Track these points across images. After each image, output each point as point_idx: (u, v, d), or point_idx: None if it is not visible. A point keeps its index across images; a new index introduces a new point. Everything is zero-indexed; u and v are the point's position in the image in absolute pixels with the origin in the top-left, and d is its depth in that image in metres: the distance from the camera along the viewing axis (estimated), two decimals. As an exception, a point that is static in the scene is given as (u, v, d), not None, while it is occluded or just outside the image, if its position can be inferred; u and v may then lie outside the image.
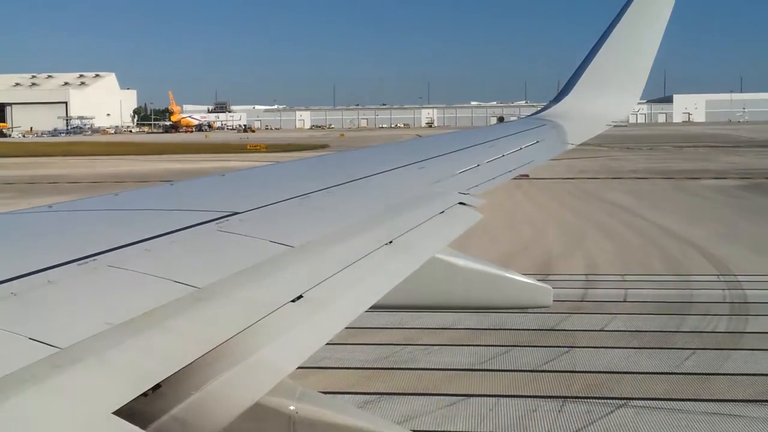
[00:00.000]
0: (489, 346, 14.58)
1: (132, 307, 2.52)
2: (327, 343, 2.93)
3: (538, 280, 5.66)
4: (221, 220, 3.83)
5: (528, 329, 15.33)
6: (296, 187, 5.15)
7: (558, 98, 12.79)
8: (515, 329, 15.33)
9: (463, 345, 14.62)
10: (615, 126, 12.24)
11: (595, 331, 15.58)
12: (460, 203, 5.54)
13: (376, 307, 3.50)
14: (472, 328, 15.28)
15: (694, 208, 33.96)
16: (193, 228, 3.64)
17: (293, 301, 3.00)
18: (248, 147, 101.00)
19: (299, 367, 2.68)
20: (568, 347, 14.40)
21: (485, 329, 15.33)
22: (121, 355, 2.26)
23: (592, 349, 14.51)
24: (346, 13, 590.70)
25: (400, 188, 5.89)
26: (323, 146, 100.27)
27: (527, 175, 40.39)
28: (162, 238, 3.39)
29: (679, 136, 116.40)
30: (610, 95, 12.08)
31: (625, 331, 15.61)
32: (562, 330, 15.40)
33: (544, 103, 13.52)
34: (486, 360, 13.88)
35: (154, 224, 3.67)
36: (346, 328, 3.06)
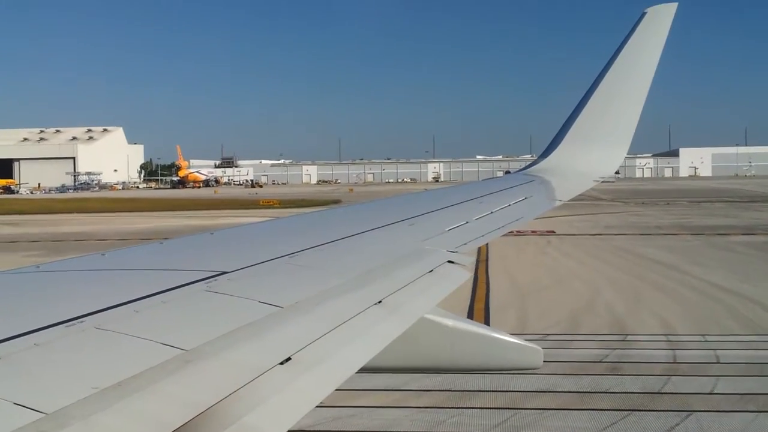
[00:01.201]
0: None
1: (119, 370, 2.53)
2: (316, 406, 2.87)
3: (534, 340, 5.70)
4: (210, 279, 3.87)
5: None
6: (285, 245, 5.24)
7: (546, 153, 12.76)
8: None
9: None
10: (603, 182, 12.09)
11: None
12: (449, 261, 5.50)
13: (365, 369, 3.45)
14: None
15: (735, 264, 33.43)
16: (181, 288, 3.66)
17: (282, 363, 2.98)
18: (262, 203, 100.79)
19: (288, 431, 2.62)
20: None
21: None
22: (108, 420, 2.23)
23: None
24: (351, 67, 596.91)
25: (389, 246, 5.91)
26: (335, 201, 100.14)
27: (553, 231, 40.42)
28: (150, 298, 3.41)
29: (691, 191, 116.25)
30: (598, 150, 12.09)
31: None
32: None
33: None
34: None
35: (142, 284, 3.73)
36: (336, 390, 3.02)
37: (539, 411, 13.54)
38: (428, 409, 13.94)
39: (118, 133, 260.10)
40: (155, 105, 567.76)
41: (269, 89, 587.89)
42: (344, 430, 13.16)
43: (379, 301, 4.14)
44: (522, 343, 5.31)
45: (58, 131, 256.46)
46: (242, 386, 2.68)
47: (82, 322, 2.94)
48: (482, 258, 36.00)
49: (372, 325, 3.82)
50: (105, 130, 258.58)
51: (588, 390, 14.95)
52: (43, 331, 2.80)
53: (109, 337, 2.85)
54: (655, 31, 11.77)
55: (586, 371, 16.25)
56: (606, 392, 14.78)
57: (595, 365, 16.73)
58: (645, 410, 13.76)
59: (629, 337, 19.36)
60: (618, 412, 13.60)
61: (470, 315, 22.45)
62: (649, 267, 32.83)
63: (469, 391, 14.83)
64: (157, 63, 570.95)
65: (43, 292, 3.85)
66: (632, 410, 13.69)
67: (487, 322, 21.18)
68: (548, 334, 19.70)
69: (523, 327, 20.73)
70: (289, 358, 3.03)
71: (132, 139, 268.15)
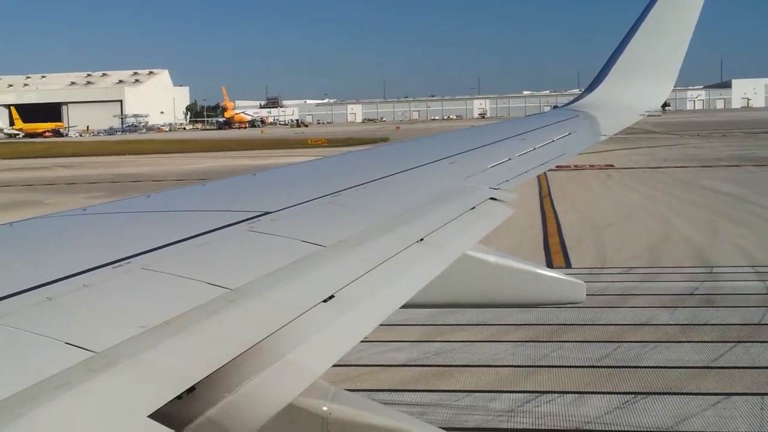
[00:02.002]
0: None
1: (165, 309, 2.57)
2: (360, 341, 2.91)
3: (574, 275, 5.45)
4: (253, 220, 3.88)
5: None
6: (327, 185, 5.21)
7: (590, 88, 12.64)
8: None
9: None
10: (649, 116, 11.94)
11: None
12: (492, 198, 5.49)
13: (407, 306, 3.49)
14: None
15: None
16: (225, 229, 3.68)
17: (325, 301, 3.01)
18: (309, 142, 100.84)
19: (333, 366, 2.68)
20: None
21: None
22: (155, 359, 2.28)
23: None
24: (394, 4, 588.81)
25: (430, 184, 5.85)
26: (383, 139, 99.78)
27: (612, 165, 39.85)
28: (194, 239, 3.44)
29: (745, 122, 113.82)
30: (644, 84, 11.90)
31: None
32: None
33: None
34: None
35: (186, 226, 3.75)
36: (380, 325, 3.06)
37: (641, 344, 13.31)
38: (527, 343, 13.83)
39: (163, 76, 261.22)
40: (200, 47, 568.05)
41: (312, 28, 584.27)
42: (449, 363, 13.12)
43: (421, 239, 4.14)
44: (565, 278, 5.38)
45: (104, 75, 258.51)
46: (286, 324, 2.72)
47: (129, 263, 3.00)
48: (545, 193, 35.70)
49: (414, 263, 3.85)
50: (151, 72, 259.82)
51: (686, 322, 14.69)
52: (91, 272, 2.85)
53: (155, 277, 2.90)
54: None
55: (679, 304, 15.95)
56: (706, 324, 14.53)
57: (688, 298, 16.42)
58: (750, 341, 13.48)
59: (715, 269, 19.02)
60: (722, 344, 13.34)
61: (546, 250, 22.29)
62: (718, 199, 32.23)
63: (565, 324, 14.69)
64: (200, 5, 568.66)
65: (90, 234, 3.92)
66: (737, 341, 13.43)
67: (565, 258, 20.99)
68: (631, 267, 19.44)
69: (603, 260, 20.47)
70: (332, 296, 3.06)
71: (177, 82, 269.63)
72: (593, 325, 14.71)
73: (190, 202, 4.94)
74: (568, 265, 20.21)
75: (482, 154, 7.76)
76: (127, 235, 3.78)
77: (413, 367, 12.97)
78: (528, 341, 13.92)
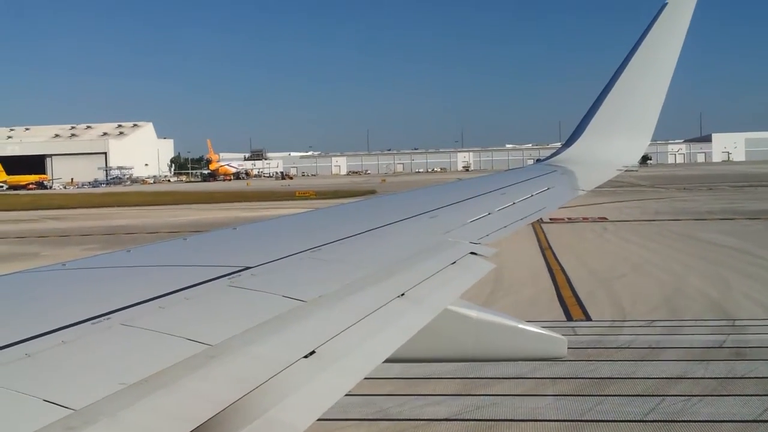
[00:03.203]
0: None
1: (145, 366, 2.57)
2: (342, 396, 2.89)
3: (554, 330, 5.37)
4: (233, 275, 3.91)
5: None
6: (307, 239, 5.27)
7: (569, 143, 12.77)
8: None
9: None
10: (626, 171, 12.08)
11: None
12: (472, 253, 5.56)
13: (390, 360, 3.48)
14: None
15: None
16: (205, 284, 3.72)
17: (306, 356, 3.01)
18: (298, 194, 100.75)
19: (316, 420, 2.64)
20: None
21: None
22: (135, 416, 2.27)
23: None
24: (377, 58, 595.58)
25: (411, 238, 5.95)
26: (371, 191, 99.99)
27: (606, 218, 40.10)
28: (175, 294, 3.46)
29: (729, 176, 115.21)
30: (621, 139, 12.08)
31: None
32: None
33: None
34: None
35: (167, 281, 3.80)
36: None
37: (685, 398, 13.17)
38: (571, 397, 13.67)
39: (148, 128, 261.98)
40: (184, 100, 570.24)
41: (297, 81, 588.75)
42: (484, 418, 12.96)
43: (402, 294, 4.17)
44: (547, 333, 5.28)
45: (89, 127, 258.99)
46: (267, 380, 2.72)
47: (108, 318, 3.00)
48: (545, 246, 35.72)
49: (395, 318, 3.85)
50: (135, 125, 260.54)
51: (724, 376, 14.57)
52: (70, 328, 2.85)
53: (135, 333, 2.91)
54: (675, 22, 11.81)
55: (711, 357, 15.84)
56: (743, 377, 14.39)
57: (718, 351, 16.31)
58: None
59: (738, 323, 18.89)
60: (766, 397, 13.23)
61: (561, 302, 22.17)
62: (721, 252, 32.24)
63: (603, 378, 14.58)
64: (185, 59, 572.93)
65: (69, 290, 3.90)
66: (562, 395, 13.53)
67: (583, 311, 20.87)
68: (653, 320, 19.37)
69: (622, 313, 20.36)
70: (313, 352, 3.07)
71: (162, 134, 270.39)
72: (631, 378, 14.55)
73: (171, 257, 4.95)
74: (587, 317, 20.09)
75: (463, 208, 7.89)
76: (107, 291, 3.78)
77: (456, 422, 12.75)
78: (567, 395, 13.76)
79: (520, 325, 5.23)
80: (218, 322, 3.22)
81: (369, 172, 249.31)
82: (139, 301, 3.28)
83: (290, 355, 2.97)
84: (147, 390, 2.41)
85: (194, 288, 3.61)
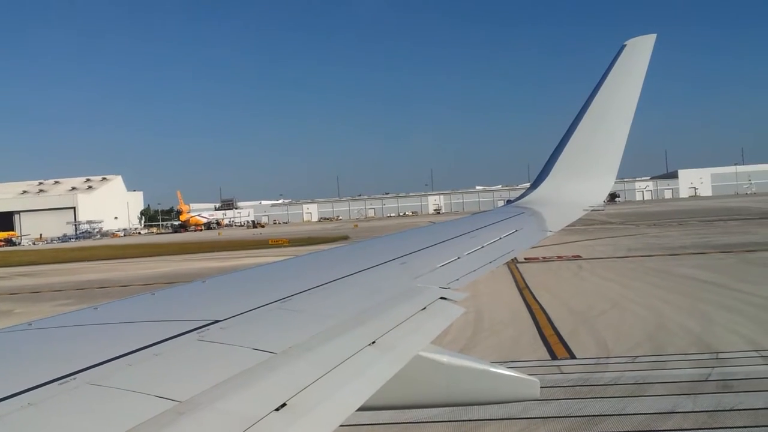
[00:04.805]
0: None
1: (113, 426, 2.56)
2: None
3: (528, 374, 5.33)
4: (202, 329, 3.90)
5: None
6: (276, 290, 5.26)
7: (535, 185, 12.94)
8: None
9: None
10: (593, 210, 12.12)
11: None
12: (442, 298, 5.57)
13: (362, 409, 3.48)
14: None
15: (783, 280, 33.16)
16: (174, 339, 3.68)
17: (277, 410, 2.99)
18: (271, 242, 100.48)
19: None
20: None
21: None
22: None
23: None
24: (346, 103, 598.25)
25: (381, 285, 5.94)
26: (343, 237, 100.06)
27: (579, 256, 40.29)
28: (143, 351, 3.44)
29: (697, 211, 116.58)
30: (585, 179, 12.25)
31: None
32: None
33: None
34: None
35: (134, 337, 3.74)
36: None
37: None
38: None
39: (117, 181, 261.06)
40: (152, 152, 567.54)
41: (265, 130, 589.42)
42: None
43: (373, 342, 4.19)
44: (519, 375, 5.26)
45: (57, 182, 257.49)
46: None
47: (74, 378, 2.97)
48: (522, 285, 35.80)
49: (366, 367, 3.84)
50: (104, 178, 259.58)
51: (713, 409, 14.55)
52: (36, 389, 2.82)
53: (103, 392, 2.88)
54: (635, 62, 12.07)
55: (699, 391, 15.84)
56: (732, 410, 14.37)
57: (705, 384, 16.33)
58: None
59: (721, 355, 18.93)
60: (757, 428, 13.21)
61: (545, 342, 22.14)
62: (698, 286, 32.42)
63: (594, 416, 14.49)
64: (152, 111, 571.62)
65: (35, 350, 3.83)
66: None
67: (567, 349, 20.86)
68: (637, 356, 19.38)
69: (606, 350, 20.36)
70: (284, 404, 3.06)
71: (131, 187, 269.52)
72: (621, 415, 14.48)
73: (139, 313, 4.88)
74: (572, 355, 20.07)
75: (432, 253, 7.93)
76: (74, 350, 3.73)
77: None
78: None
79: (492, 369, 5.21)
80: (187, 377, 3.19)
81: (341, 218, 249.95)
82: (107, 359, 3.26)
83: (261, 408, 2.96)
84: None
85: (163, 344, 3.59)
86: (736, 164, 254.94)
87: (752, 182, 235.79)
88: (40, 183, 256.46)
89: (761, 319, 23.92)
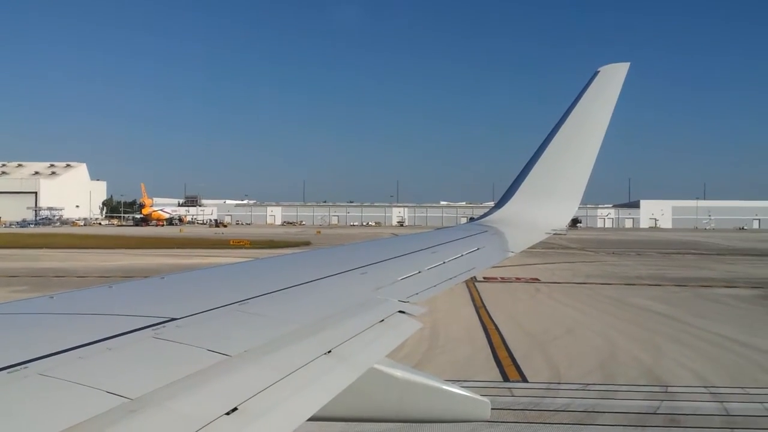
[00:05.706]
0: None
1: (62, 418, 2.50)
2: None
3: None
4: (158, 326, 3.84)
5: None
6: (235, 291, 5.22)
7: (500, 204, 12.97)
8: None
9: None
10: (555, 234, 12.22)
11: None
12: (400, 311, 5.49)
13: (314, 419, 3.44)
14: None
15: (735, 317, 33.58)
16: (129, 334, 3.63)
17: (228, 413, 2.94)
18: (232, 243, 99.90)
19: None
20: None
21: None
22: None
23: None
24: (317, 109, 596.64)
25: (341, 295, 5.85)
26: (305, 243, 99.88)
27: (538, 279, 40.63)
28: (97, 344, 3.38)
29: (657, 243, 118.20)
30: (550, 203, 12.28)
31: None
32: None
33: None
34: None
35: (89, 330, 3.70)
36: None
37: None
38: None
39: (81, 169, 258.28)
40: (119, 142, 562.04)
41: (233, 130, 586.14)
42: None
43: (329, 351, 4.15)
44: (471, 395, 5.24)
45: (20, 165, 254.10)
46: None
47: (25, 368, 2.94)
48: (479, 304, 36.07)
49: (321, 375, 3.80)
50: (68, 165, 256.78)
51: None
52: None
53: (54, 384, 2.83)
54: (607, 89, 12.11)
55: (647, 423, 16.10)
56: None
57: (652, 417, 16.59)
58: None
59: (670, 389, 19.25)
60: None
61: (497, 362, 22.34)
62: (652, 318, 32.90)
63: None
64: (121, 99, 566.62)
65: None
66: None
67: (519, 372, 21.07)
68: (588, 384, 19.63)
69: (558, 376, 20.59)
70: (235, 408, 3.01)
71: (95, 176, 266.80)
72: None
73: (96, 305, 4.78)
74: (523, 378, 20.28)
75: (394, 265, 7.85)
76: (26, 339, 3.66)
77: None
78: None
79: (445, 387, 5.19)
80: (140, 374, 3.14)
81: (304, 223, 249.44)
82: (60, 350, 3.20)
83: (212, 411, 2.91)
84: None
85: (117, 338, 3.53)
86: (697, 198, 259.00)
87: (711, 218, 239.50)
88: (3, 165, 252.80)
89: (712, 355, 24.36)
